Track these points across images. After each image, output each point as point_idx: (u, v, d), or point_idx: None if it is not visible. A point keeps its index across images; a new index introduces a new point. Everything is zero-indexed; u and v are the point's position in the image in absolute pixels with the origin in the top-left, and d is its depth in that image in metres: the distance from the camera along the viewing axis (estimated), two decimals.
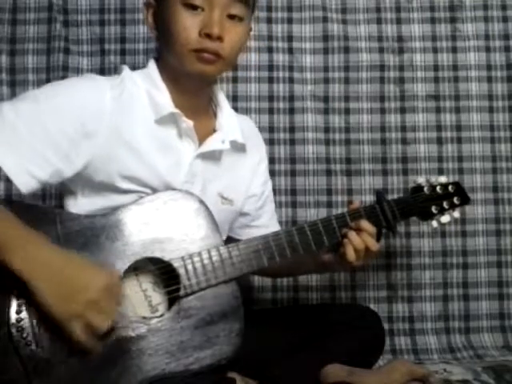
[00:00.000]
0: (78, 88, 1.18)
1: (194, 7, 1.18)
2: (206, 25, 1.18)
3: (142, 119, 1.22)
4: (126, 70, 1.27)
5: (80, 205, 1.21)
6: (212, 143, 1.30)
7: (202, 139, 1.29)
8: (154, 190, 1.20)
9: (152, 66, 1.28)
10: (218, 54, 1.20)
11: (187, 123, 1.25)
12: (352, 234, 1.26)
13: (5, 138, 1.09)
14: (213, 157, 1.32)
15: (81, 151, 1.15)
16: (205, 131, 1.31)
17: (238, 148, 1.38)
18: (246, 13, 1.24)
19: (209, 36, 1.18)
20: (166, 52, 1.25)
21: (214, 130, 1.34)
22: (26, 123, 1.10)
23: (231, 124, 1.37)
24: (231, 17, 1.21)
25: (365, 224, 1.27)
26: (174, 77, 1.26)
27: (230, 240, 1.35)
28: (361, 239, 1.25)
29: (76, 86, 1.19)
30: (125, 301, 1.10)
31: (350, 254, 1.25)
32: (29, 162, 1.10)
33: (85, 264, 1.04)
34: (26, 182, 1.10)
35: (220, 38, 1.19)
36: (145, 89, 1.24)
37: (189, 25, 1.18)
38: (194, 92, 1.29)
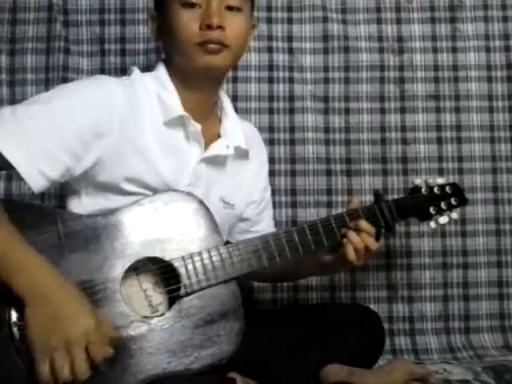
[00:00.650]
0: (90, 88, 1.19)
1: (191, 5, 1.22)
2: (206, 16, 1.20)
3: (150, 121, 1.23)
4: (136, 71, 1.28)
5: (83, 205, 1.21)
6: (217, 148, 1.31)
7: (207, 143, 1.30)
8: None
9: (161, 68, 1.29)
10: (222, 42, 1.22)
11: (195, 126, 1.26)
12: (352, 234, 1.26)
13: (17, 139, 1.09)
14: (217, 162, 1.32)
15: (91, 151, 1.16)
16: (210, 135, 1.32)
17: (242, 154, 1.39)
18: (244, 3, 1.27)
19: (209, 27, 1.20)
20: (173, 55, 1.27)
21: (219, 135, 1.35)
22: (37, 123, 1.10)
23: (236, 130, 1.38)
24: (229, 8, 1.24)
25: (364, 224, 1.27)
26: (182, 78, 1.27)
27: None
28: (360, 239, 1.26)
29: (88, 87, 1.20)
30: (125, 300, 1.10)
31: (351, 254, 1.25)
32: (40, 161, 1.10)
33: (78, 302, 1.01)
34: (36, 180, 1.10)
35: (221, 27, 1.21)
36: (154, 90, 1.26)
37: (188, 20, 1.21)
38: (202, 92, 1.30)
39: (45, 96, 1.17)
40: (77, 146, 1.14)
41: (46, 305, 0.98)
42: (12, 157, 1.07)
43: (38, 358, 0.96)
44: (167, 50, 1.31)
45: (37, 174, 1.10)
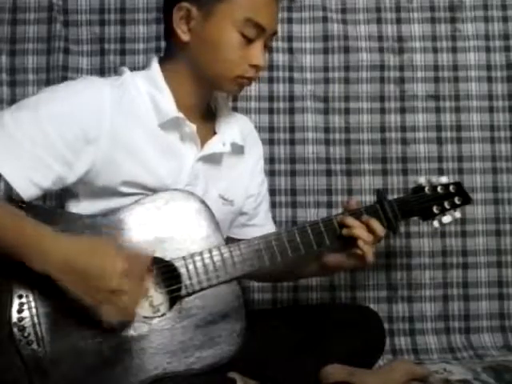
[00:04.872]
0: (77, 93, 1.17)
1: (249, 40, 1.22)
2: (256, 57, 1.23)
3: (143, 123, 1.21)
4: (126, 72, 1.26)
5: (82, 207, 1.20)
6: (213, 146, 1.31)
7: (203, 141, 1.29)
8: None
9: (155, 67, 1.27)
10: (253, 80, 1.29)
11: (190, 127, 1.25)
12: (362, 232, 1.26)
13: (5, 147, 1.08)
14: (214, 159, 1.32)
15: (82, 157, 1.15)
16: (206, 133, 1.31)
17: (238, 150, 1.38)
18: None
19: (256, 67, 1.24)
20: (196, 61, 1.24)
21: (214, 132, 1.35)
22: (26, 132, 1.09)
23: (231, 125, 1.37)
24: (265, 47, 1.27)
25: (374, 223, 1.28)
26: (187, 81, 1.26)
27: (227, 240, 1.35)
28: (368, 228, 1.27)
29: (75, 91, 1.17)
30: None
31: (368, 253, 1.26)
32: (30, 170, 1.10)
33: (101, 252, 1.04)
34: (27, 190, 1.09)
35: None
36: (147, 91, 1.24)
37: (242, 55, 1.22)
38: (200, 93, 1.30)
39: (33, 101, 1.15)
40: (66, 154, 1.13)
41: (75, 267, 1.01)
42: (0, 166, 1.07)
43: (94, 307, 1.02)
44: (192, 52, 1.24)
45: (27, 183, 1.09)
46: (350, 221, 1.27)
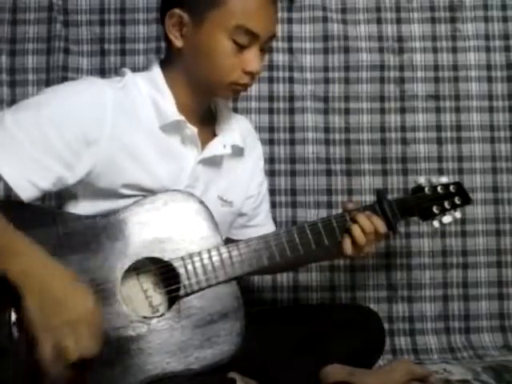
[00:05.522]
0: (79, 93, 1.16)
1: (242, 46, 1.20)
2: (250, 63, 1.21)
3: (144, 126, 1.21)
4: (128, 73, 1.25)
5: (81, 208, 1.19)
6: (214, 148, 1.30)
7: (203, 143, 1.29)
8: None
9: (156, 69, 1.27)
10: (249, 86, 1.27)
11: (191, 130, 1.25)
12: (360, 217, 1.28)
13: (5, 148, 1.08)
14: (214, 161, 1.32)
15: (83, 159, 1.14)
16: (206, 135, 1.32)
17: (238, 152, 1.38)
18: None
19: (251, 73, 1.22)
20: (192, 68, 1.24)
21: (215, 134, 1.35)
22: (26, 132, 1.09)
23: (231, 127, 1.37)
24: (262, 50, 1.25)
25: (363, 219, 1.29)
26: (186, 85, 1.26)
27: (227, 241, 1.35)
28: (369, 221, 1.27)
29: (76, 92, 1.16)
30: (125, 300, 1.10)
31: (347, 247, 1.28)
32: (30, 170, 1.09)
33: (76, 285, 1.00)
34: (26, 190, 1.09)
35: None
36: (148, 94, 1.23)
37: (236, 62, 1.20)
38: (201, 97, 1.30)
39: (34, 101, 1.14)
40: (67, 155, 1.12)
41: (45, 289, 0.97)
42: (0, 166, 1.06)
43: (40, 339, 0.94)
44: (186, 58, 1.23)
45: (26, 184, 1.08)
46: (355, 214, 1.29)
